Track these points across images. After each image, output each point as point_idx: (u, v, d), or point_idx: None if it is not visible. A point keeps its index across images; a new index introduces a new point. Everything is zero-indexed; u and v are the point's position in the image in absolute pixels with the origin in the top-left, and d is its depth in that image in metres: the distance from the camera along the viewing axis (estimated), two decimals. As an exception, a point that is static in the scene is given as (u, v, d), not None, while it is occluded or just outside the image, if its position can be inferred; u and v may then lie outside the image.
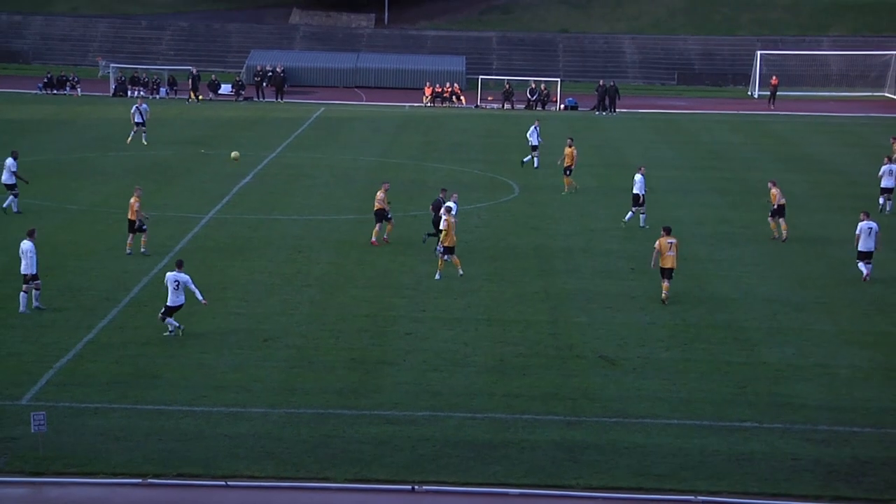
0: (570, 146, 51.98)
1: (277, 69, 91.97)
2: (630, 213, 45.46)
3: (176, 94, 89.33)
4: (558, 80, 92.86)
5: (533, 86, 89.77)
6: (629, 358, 30.23)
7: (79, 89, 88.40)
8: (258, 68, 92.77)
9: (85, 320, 31.84)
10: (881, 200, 49.01)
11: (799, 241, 43.68)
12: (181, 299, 30.58)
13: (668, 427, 25.95)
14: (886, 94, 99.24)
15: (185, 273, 30.78)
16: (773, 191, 43.52)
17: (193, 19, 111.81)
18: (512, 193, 51.65)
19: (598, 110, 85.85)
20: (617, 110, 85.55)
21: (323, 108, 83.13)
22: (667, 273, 35.03)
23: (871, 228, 37.98)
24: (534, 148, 58.53)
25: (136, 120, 63.44)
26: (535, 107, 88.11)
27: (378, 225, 41.62)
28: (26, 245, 32.47)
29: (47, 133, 66.27)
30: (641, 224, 44.81)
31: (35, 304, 32.61)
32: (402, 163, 59.38)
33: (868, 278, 37.86)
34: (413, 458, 23.97)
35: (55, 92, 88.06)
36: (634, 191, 45.52)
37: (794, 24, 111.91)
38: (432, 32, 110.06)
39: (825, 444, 25.23)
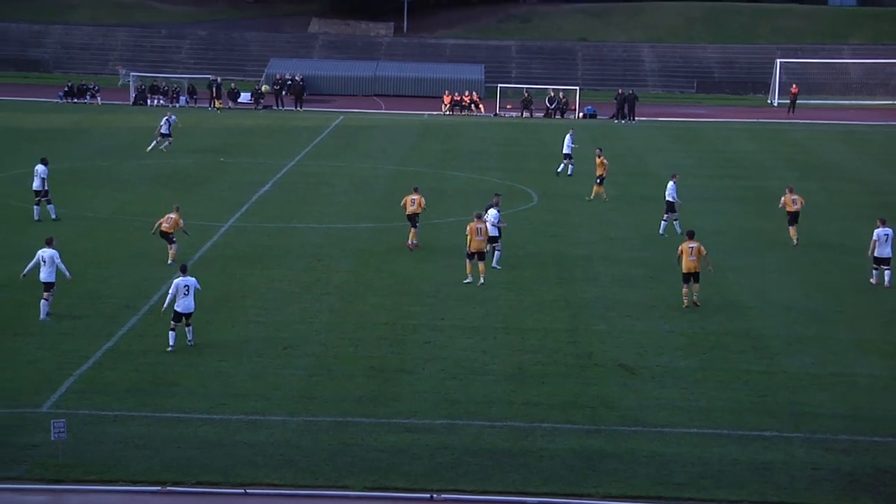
0: (599, 156, 52.33)
1: (297, 78, 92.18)
2: (664, 221, 45.42)
3: (196, 102, 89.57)
4: (577, 88, 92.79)
5: (552, 94, 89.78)
6: (648, 366, 30.18)
7: (99, 98, 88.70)
8: (277, 77, 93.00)
9: (105, 328, 31.93)
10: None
11: (818, 249, 43.58)
12: (192, 304, 30.45)
13: (688, 436, 25.88)
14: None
15: (193, 276, 30.77)
16: (786, 197, 43.99)
17: (213, 28, 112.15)
18: (531, 202, 51.63)
19: (617, 119, 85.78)
20: (636, 118, 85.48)
21: (342, 117, 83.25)
22: (689, 277, 35.18)
23: (888, 235, 37.99)
24: (567, 156, 58.56)
25: (162, 130, 63.69)
26: (554, 115, 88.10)
27: (413, 228, 42.04)
28: (48, 253, 32.56)
29: (67, 141, 66.51)
30: (678, 231, 44.73)
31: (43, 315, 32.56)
32: (421, 171, 59.42)
33: (889, 284, 37.83)
34: (432, 467, 23.96)
35: (75, 101, 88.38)
36: (668, 198, 45.53)
37: (814, 33, 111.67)
38: (451, 41, 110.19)
39: (845, 454, 25.14)
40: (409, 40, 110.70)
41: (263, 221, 46.36)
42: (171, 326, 30.34)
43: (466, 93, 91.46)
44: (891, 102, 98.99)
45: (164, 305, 30.80)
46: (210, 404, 26.90)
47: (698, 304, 35.36)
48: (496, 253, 39.22)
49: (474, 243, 37.23)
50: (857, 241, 44.03)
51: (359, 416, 26.47)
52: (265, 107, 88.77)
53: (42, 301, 32.59)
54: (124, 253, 40.48)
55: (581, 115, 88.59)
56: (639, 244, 44.11)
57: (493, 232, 38.73)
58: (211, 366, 29.36)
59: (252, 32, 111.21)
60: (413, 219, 42.07)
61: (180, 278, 30.43)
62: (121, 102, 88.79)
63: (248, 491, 22.87)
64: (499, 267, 39.05)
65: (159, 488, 22.84)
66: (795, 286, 38.58)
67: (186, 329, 30.38)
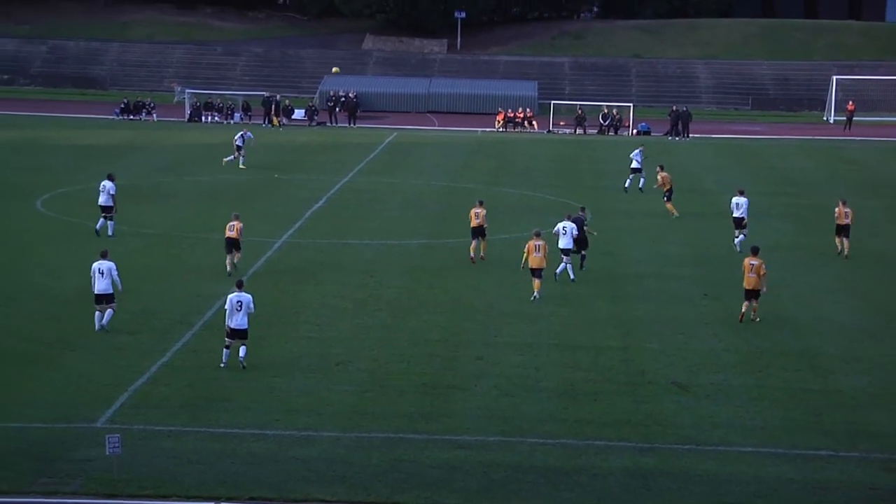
0: (660, 171, 52.77)
1: (350, 94, 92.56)
2: (737, 237, 45.33)
3: (250, 119, 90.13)
4: (631, 105, 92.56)
5: (605, 111, 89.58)
6: (702, 384, 29.97)
7: (154, 115, 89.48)
8: (331, 93, 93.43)
9: (159, 344, 32.13)
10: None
11: (874, 266, 43.17)
12: (244, 321, 30.52)
13: (742, 455, 25.67)
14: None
15: (248, 293, 30.76)
16: (838, 209, 44.52)
17: (268, 45, 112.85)
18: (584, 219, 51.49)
19: (671, 136, 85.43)
20: (690, 135, 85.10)
21: (395, 134, 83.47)
22: (749, 294, 35.12)
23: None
24: (636, 171, 58.72)
25: (237, 144, 64.43)
26: (608, 132, 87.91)
27: (475, 241, 42.43)
28: (105, 265, 32.88)
29: (123, 158, 67.10)
30: (737, 248, 44.52)
31: (101, 323, 32.95)
32: (474, 188, 59.42)
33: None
34: (484, 484, 23.89)
35: (131, 117, 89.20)
36: (737, 214, 45.51)
37: (872, 49, 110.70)
38: (504, 58, 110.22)
39: (903, 474, 24.85)
40: (463, 57, 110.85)
41: (316, 237, 46.53)
42: (226, 343, 30.44)
43: (520, 109, 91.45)
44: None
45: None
46: (263, 420, 26.99)
47: (755, 320, 35.23)
48: (569, 265, 39.85)
49: (532, 260, 37.34)
50: (915, 258, 43.65)
51: (411, 432, 26.45)
52: (319, 123, 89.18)
53: (97, 312, 32.93)
54: (179, 269, 40.76)
55: (635, 131, 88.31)
56: (692, 261, 43.87)
57: (568, 244, 39.53)
58: (264, 381, 29.46)
59: (307, 49, 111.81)
60: (477, 232, 42.52)
61: (234, 294, 30.53)
62: (176, 119, 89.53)
63: (300, 507, 22.92)
64: (573, 277, 39.58)
65: (213, 503, 22.92)
66: (851, 304, 38.22)
67: (240, 348, 30.35)
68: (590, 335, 33.97)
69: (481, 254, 42.61)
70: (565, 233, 39.79)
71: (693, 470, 24.80)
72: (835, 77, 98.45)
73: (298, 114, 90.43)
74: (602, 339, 33.67)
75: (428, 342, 32.98)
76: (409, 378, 30.01)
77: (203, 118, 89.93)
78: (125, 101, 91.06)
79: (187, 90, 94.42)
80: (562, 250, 39.88)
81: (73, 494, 23.10)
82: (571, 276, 39.74)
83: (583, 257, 41.09)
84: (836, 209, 45.00)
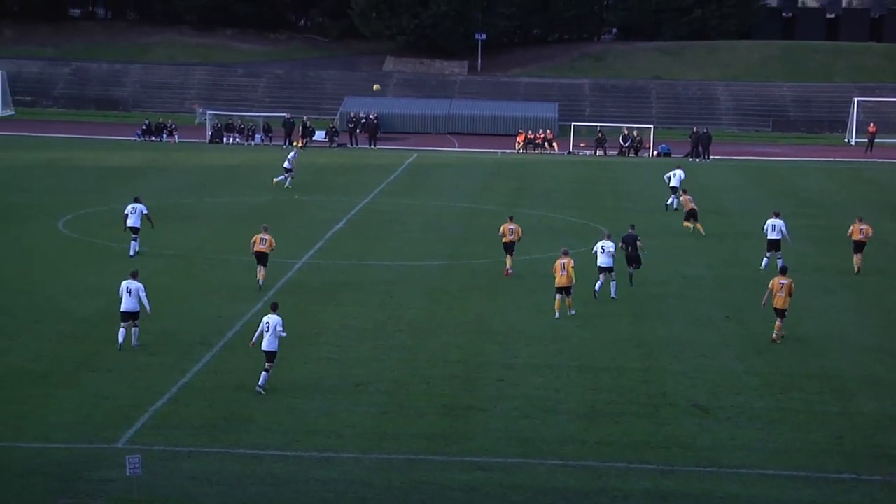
0: (683, 195, 54.29)
1: (371, 116, 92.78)
2: (766, 258, 45.39)
3: (271, 140, 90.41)
4: (651, 126, 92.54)
5: (626, 132, 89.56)
6: (723, 406, 29.87)
7: (176, 136, 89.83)
8: (352, 115, 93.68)
9: (179, 364, 32.19)
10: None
11: (897, 289, 43.04)
12: (272, 343, 30.54)
13: (764, 477, 25.56)
14: None
15: (279, 315, 30.82)
16: (854, 226, 45.48)
17: (289, 67, 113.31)
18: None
19: (691, 157, 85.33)
20: (710, 157, 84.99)
21: (416, 155, 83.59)
22: (777, 313, 35.29)
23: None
24: (674, 189, 59.27)
25: (286, 165, 65.22)
26: (628, 153, 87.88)
27: (509, 257, 43.42)
28: (134, 285, 33.23)
29: (144, 179, 67.35)
30: (763, 266, 44.49)
31: (124, 341, 33.24)
32: (494, 209, 59.43)
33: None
34: (504, 506, 23.84)
35: (153, 139, 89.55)
36: (772, 236, 45.61)
37: (893, 71, 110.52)
38: (525, 79, 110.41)
39: (926, 498, 24.70)
40: (483, 78, 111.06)
41: (337, 258, 46.59)
42: (266, 367, 30.29)
43: (540, 131, 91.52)
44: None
45: (253, 340, 30.95)
46: (283, 441, 26.99)
47: (778, 340, 35.29)
48: (613, 284, 40.40)
49: (559, 279, 37.53)
50: (937, 281, 43.48)
51: (431, 453, 26.42)
52: (339, 145, 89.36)
53: (121, 330, 33.16)
54: (199, 289, 40.86)
55: (655, 153, 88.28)
56: (713, 283, 43.79)
57: (607, 262, 40.04)
58: (284, 402, 29.47)
59: (327, 71, 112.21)
60: (509, 247, 43.37)
61: (267, 315, 30.56)
62: (197, 140, 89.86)
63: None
64: (615, 296, 40.11)
65: (232, 524, 22.94)
66: (873, 326, 38.07)
67: (264, 372, 30.21)
68: (610, 356, 33.91)
69: (510, 270, 43.55)
70: (604, 251, 40.23)
71: (714, 493, 24.70)
72: (856, 99, 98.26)
73: (319, 135, 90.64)
74: (623, 360, 33.60)
75: (448, 363, 32.96)
76: (429, 399, 29.99)
77: (224, 139, 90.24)
78: (147, 122, 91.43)
79: (208, 111, 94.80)
80: (600, 268, 40.37)
81: (94, 515, 23.17)
82: (613, 294, 40.24)
83: (630, 275, 41.93)
84: (852, 226, 45.79)
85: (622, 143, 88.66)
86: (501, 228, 43.86)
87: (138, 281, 33.59)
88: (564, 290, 37.77)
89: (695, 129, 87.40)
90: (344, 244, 49.71)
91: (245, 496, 23.99)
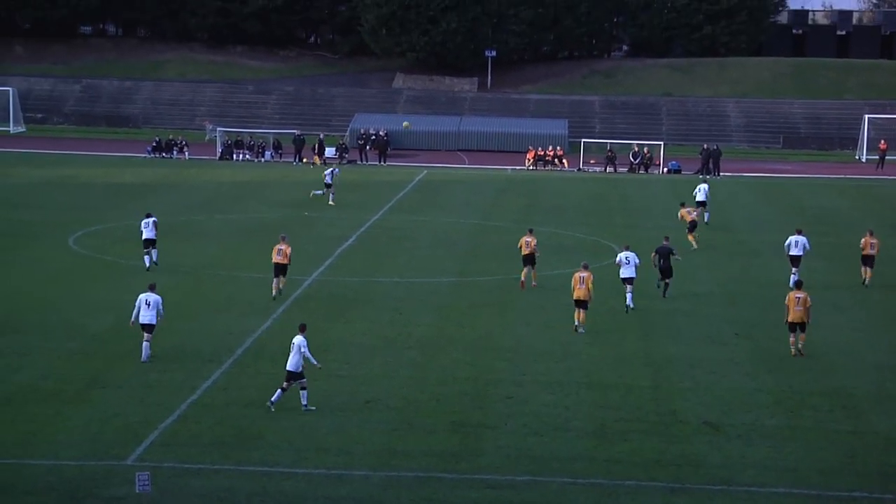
0: (682, 207, 55.30)
1: (381, 132, 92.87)
2: (793, 275, 45.33)
3: (281, 157, 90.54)
4: (661, 143, 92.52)
5: (636, 149, 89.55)
6: (733, 424, 29.77)
7: (186, 153, 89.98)
8: (362, 132, 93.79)
9: (189, 381, 32.17)
10: None
11: (908, 306, 42.91)
12: (294, 363, 30.29)
13: (775, 496, 25.45)
14: None
15: (305, 337, 30.60)
16: (865, 239, 46.31)
17: (299, 84, 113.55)
18: (614, 257, 51.34)
19: (702, 174, 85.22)
20: (721, 174, 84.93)
21: (425, 171, 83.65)
22: (795, 327, 35.66)
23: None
24: (702, 204, 60.01)
25: (326, 181, 65.94)
26: (638, 170, 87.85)
27: (526, 269, 43.94)
28: (153, 297, 33.84)
29: (154, 196, 67.44)
30: (792, 284, 44.49)
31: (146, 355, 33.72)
32: (504, 226, 59.44)
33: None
34: (513, 524, 23.76)
35: (163, 155, 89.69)
36: (794, 252, 46.10)
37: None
38: (535, 96, 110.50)
39: (938, 516, 24.58)
40: (493, 95, 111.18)
41: (346, 275, 46.58)
42: (282, 385, 30.29)
43: (550, 147, 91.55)
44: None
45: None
46: (293, 458, 26.95)
47: (804, 353, 35.45)
48: (629, 294, 41.09)
49: (577, 291, 37.90)
50: (949, 298, 43.35)
51: (440, 471, 26.36)
52: (349, 161, 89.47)
53: (144, 343, 33.64)
54: (209, 306, 40.87)
55: (665, 170, 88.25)
56: (723, 300, 43.72)
57: (630, 274, 40.95)
58: (294, 419, 29.43)
59: (337, 88, 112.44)
60: (529, 259, 44.14)
61: (296, 336, 30.55)
62: (207, 157, 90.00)
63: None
64: (632, 305, 40.72)
65: (241, 542, 22.88)
66: (884, 343, 37.97)
67: (300, 392, 30.18)
68: (620, 373, 33.83)
69: (532, 282, 44.21)
70: (627, 262, 41.15)
71: (725, 511, 24.61)
72: (866, 116, 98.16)
73: (329, 152, 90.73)
74: (632, 377, 33.52)
75: (457, 380, 32.91)
76: (438, 416, 29.93)
77: (234, 156, 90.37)
78: (157, 139, 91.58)
79: (218, 128, 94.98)
80: (623, 280, 41.16)
81: (103, 532, 23.14)
82: (630, 304, 40.81)
83: (667, 285, 43.06)
84: (863, 240, 46.40)
85: (632, 159, 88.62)
86: (521, 241, 44.73)
87: (157, 293, 34.08)
88: (582, 304, 38.08)
89: (705, 146, 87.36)
90: (353, 261, 49.71)
91: (254, 514, 23.95)
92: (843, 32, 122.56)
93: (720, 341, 37.66)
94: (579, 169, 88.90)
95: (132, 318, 34.00)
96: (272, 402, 29.95)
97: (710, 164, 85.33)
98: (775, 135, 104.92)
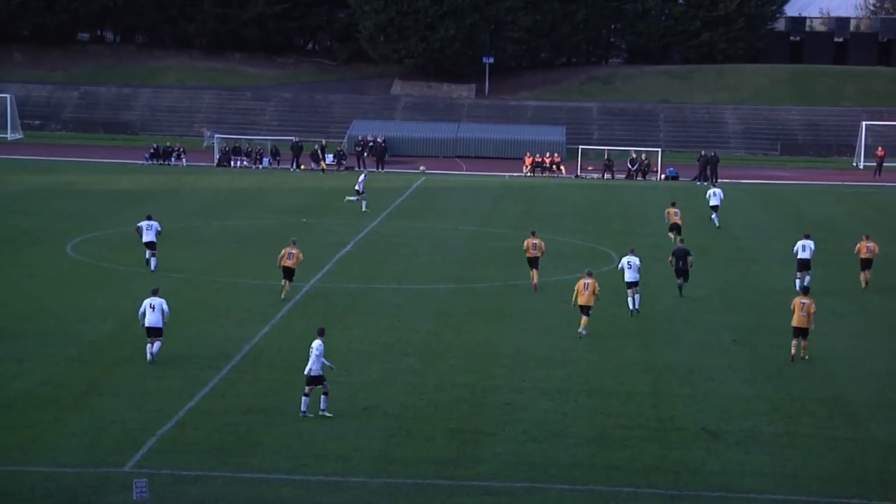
0: (670, 208, 56.24)
1: (379, 139, 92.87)
2: (798, 279, 45.85)
3: (279, 164, 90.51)
4: (659, 150, 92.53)
5: (633, 156, 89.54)
6: (732, 431, 29.75)
7: (184, 160, 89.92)
8: (360, 138, 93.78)
9: (187, 387, 32.14)
10: None
11: (907, 313, 42.92)
12: (312, 367, 30.25)
13: (773, 503, 25.45)
14: None
15: (322, 341, 30.59)
16: (861, 244, 46.91)
17: (297, 91, 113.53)
18: (612, 263, 51.32)
19: (699, 181, 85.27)
20: (719, 180, 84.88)
21: (423, 178, 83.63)
22: (798, 332, 35.85)
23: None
24: (714, 208, 61.96)
25: (358, 188, 66.41)
26: (636, 177, 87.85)
27: (533, 270, 44.90)
28: (157, 301, 34.29)
29: (152, 202, 67.30)
30: (806, 284, 44.64)
31: (152, 352, 34.21)
32: (502, 232, 59.44)
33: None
34: (512, 531, 23.72)
35: (161, 162, 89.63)
36: (802, 256, 46.52)
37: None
38: (533, 103, 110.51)
39: (937, 523, 24.56)
40: (491, 102, 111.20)
41: (344, 282, 46.56)
42: (305, 391, 30.26)
43: (548, 154, 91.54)
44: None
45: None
46: (291, 465, 26.91)
47: (806, 357, 35.67)
48: (636, 296, 41.66)
49: (581, 297, 38.18)
50: (947, 305, 43.36)
51: (439, 478, 26.33)
52: (347, 168, 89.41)
53: (148, 345, 34.01)
54: (207, 313, 40.83)
55: (663, 176, 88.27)
56: (722, 307, 43.71)
57: (633, 278, 41.45)
58: (291, 426, 29.40)
59: (335, 94, 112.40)
60: (534, 262, 44.86)
61: (315, 340, 30.54)
62: (205, 164, 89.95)
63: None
64: (638, 308, 41.37)
65: (239, 549, 22.84)
66: (883, 350, 37.96)
67: (321, 397, 30.18)
68: (619, 380, 33.81)
69: (535, 281, 44.97)
70: (630, 267, 41.61)
71: (724, 518, 24.59)
72: (864, 123, 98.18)
73: (327, 158, 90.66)
74: (631, 384, 33.50)
75: (456, 387, 32.88)
76: (436, 423, 29.90)
77: (232, 163, 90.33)
78: (155, 145, 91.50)
79: (216, 135, 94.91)
80: (628, 283, 41.57)
81: (101, 539, 23.09)
82: (634, 307, 41.35)
83: (681, 286, 44.25)
84: (859, 244, 47.05)
85: (630, 166, 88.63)
86: (525, 243, 45.26)
87: (160, 297, 34.45)
88: (587, 310, 38.33)
89: (703, 153, 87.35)
90: (351, 267, 49.69)
91: (252, 521, 23.91)
92: (841, 39, 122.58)
93: (719, 348, 37.65)
94: (577, 175, 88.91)
95: (140, 322, 34.50)
96: (303, 412, 29.93)
97: (707, 171, 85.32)
98: (773, 141, 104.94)
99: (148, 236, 47.27)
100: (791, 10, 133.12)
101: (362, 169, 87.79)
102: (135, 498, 23.67)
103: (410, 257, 52.67)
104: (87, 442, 27.97)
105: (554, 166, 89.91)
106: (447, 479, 26.24)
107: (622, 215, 67.77)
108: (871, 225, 64.65)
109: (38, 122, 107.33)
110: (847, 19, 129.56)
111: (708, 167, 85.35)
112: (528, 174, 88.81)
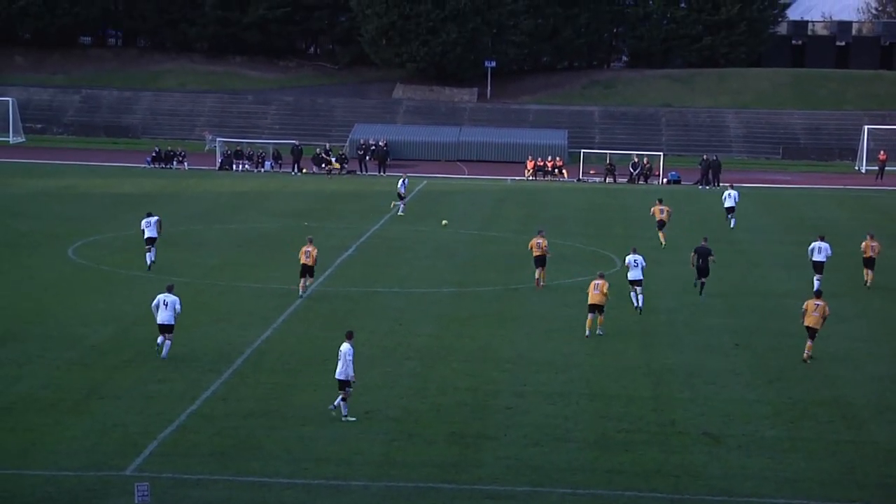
0: (658, 205, 57.55)
1: (381, 143, 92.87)
2: (817, 280, 46.24)
3: (280, 167, 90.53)
4: (661, 154, 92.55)
5: (635, 159, 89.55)
6: (733, 435, 29.73)
7: (186, 163, 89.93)
8: (361, 142, 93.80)
9: (189, 391, 32.13)
10: None
11: (908, 317, 42.91)
12: (349, 372, 30.21)
13: (775, 507, 25.44)
14: None
15: (351, 345, 30.52)
16: (865, 243, 47.76)
17: (298, 94, 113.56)
18: (614, 267, 51.31)
19: (701, 185, 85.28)
20: (720, 184, 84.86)
21: (425, 182, 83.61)
22: (809, 332, 36.25)
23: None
24: (730, 210, 62.93)
25: (400, 191, 66.99)
26: (638, 181, 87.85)
27: (539, 269, 45.43)
28: (171, 298, 34.86)
29: (153, 206, 67.15)
30: (816, 288, 44.72)
31: (164, 354, 34.75)
32: (503, 236, 59.44)
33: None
34: (513, 535, 23.71)
35: (163, 166, 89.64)
36: (817, 258, 47.22)
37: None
38: (534, 107, 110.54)
39: (938, 527, 24.54)
40: (493, 106, 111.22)
41: (346, 285, 46.55)
42: (343, 395, 30.29)
43: (550, 158, 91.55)
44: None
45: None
46: (292, 469, 26.90)
47: (808, 359, 35.98)
48: (639, 296, 42.20)
49: (593, 297, 38.52)
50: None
51: (440, 482, 26.32)
52: (349, 172, 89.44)
53: (160, 338, 34.73)
54: (208, 317, 40.82)
55: (665, 180, 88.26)
56: (723, 310, 43.68)
57: (637, 276, 41.99)
58: (293, 430, 29.39)
59: (337, 98, 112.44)
60: (539, 261, 45.55)
61: (343, 343, 30.54)
62: (207, 168, 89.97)
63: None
64: (642, 306, 42.03)
65: (240, 552, 22.83)
66: (885, 354, 37.94)
67: (342, 402, 30.18)
68: (620, 384, 33.80)
69: (542, 282, 45.69)
70: (637, 265, 42.07)
71: (725, 521, 24.57)
72: (866, 126, 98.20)
73: (332, 161, 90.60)
74: (633, 388, 33.49)
75: (457, 391, 32.86)
76: (438, 427, 29.88)
77: (234, 167, 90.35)
78: (156, 149, 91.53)
79: (218, 139, 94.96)
80: (631, 281, 42.12)
81: (102, 543, 23.08)
82: (637, 304, 41.95)
83: (703, 284, 44.86)
84: (864, 243, 47.67)
85: (632, 170, 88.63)
86: (531, 243, 46.01)
87: (174, 294, 34.95)
88: (597, 309, 38.54)
89: (705, 157, 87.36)
90: (353, 271, 49.69)
91: (253, 524, 23.90)
92: (843, 43, 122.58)
93: (720, 351, 37.64)
94: (579, 179, 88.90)
95: (154, 315, 35.07)
96: (345, 416, 29.96)
97: (709, 175, 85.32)
98: (775, 145, 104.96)
99: (149, 232, 48.04)
100: (793, 14, 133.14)
101: (363, 172, 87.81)
102: (136, 502, 23.66)
103: (412, 261, 52.66)
104: (89, 445, 27.97)
105: (556, 170, 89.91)
106: (449, 483, 26.22)
107: (624, 219, 67.74)
108: (872, 228, 64.55)
109: (39, 126, 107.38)
110: (849, 23, 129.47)
111: (710, 171, 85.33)
112: (530, 178, 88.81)
